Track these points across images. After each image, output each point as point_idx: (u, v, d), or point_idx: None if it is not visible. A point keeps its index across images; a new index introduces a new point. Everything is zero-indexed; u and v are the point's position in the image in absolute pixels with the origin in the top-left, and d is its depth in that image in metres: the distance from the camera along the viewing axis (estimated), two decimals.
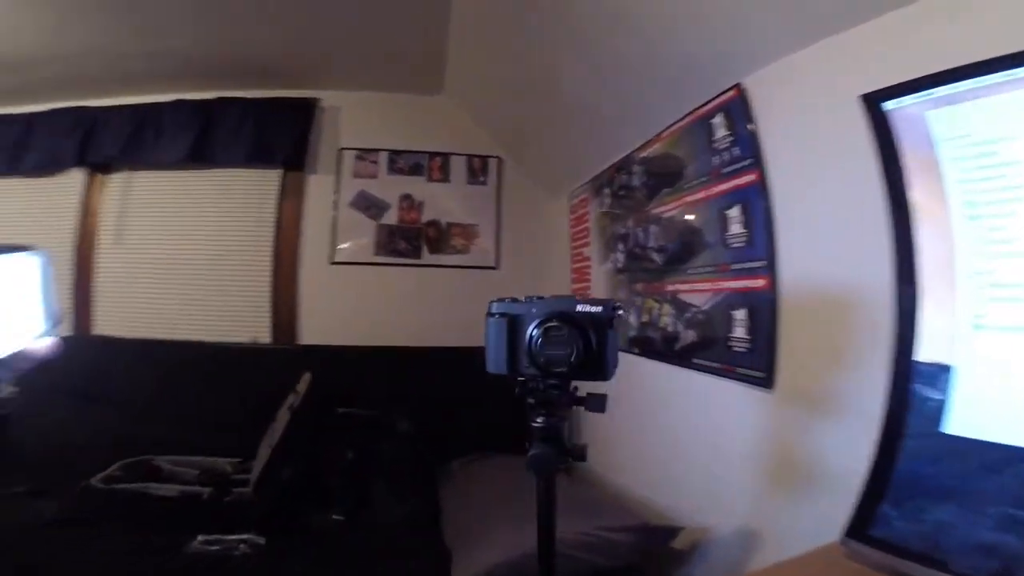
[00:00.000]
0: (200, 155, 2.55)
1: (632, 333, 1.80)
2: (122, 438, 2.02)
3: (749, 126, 1.18)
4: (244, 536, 1.50)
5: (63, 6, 1.92)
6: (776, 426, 1.12)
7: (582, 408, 0.71)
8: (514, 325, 0.66)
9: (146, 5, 1.95)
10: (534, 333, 0.64)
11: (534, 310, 0.66)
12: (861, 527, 0.72)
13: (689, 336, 1.44)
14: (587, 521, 1.26)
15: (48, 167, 2.63)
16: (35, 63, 2.32)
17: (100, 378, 2.25)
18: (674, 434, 1.53)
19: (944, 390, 0.61)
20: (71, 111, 2.63)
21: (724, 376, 1.27)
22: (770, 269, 1.12)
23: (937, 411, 0.62)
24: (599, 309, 0.63)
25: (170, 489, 1.76)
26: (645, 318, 1.71)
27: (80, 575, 1.34)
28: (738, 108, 1.21)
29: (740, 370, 1.21)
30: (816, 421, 1.00)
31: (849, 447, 0.82)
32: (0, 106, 2.65)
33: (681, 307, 1.48)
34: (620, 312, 0.64)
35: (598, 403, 0.66)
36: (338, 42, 2.28)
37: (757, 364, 1.15)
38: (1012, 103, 0.54)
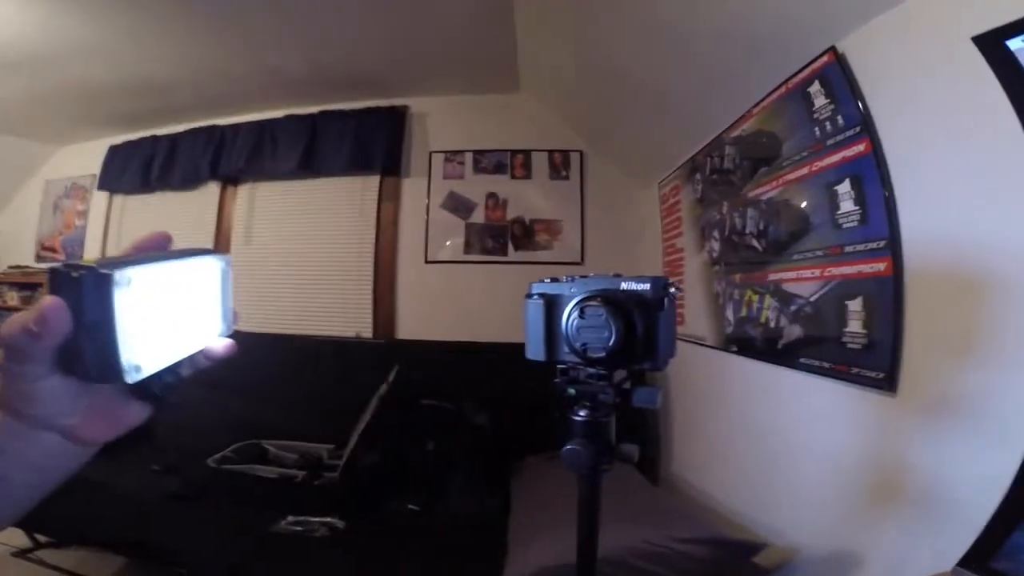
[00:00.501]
0: (308, 165, 2.80)
1: (729, 330, 1.62)
2: (239, 423, 2.26)
3: (851, 90, 1.01)
4: (326, 519, 1.60)
5: (177, 30, 2.18)
6: (896, 437, 0.92)
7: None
8: (552, 307, 0.60)
9: (255, 28, 2.17)
10: (571, 315, 0.57)
11: (573, 289, 0.59)
12: (983, 557, 0.56)
13: (794, 332, 1.26)
14: (658, 530, 1.15)
15: (191, 181, 3.06)
16: (173, 87, 2.71)
17: (225, 368, 2.54)
18: (772, 442, 1.35)
19: None
20: (204, 130, 3.06)
21: (835, 377, 1.09)
22: (892, 250, 0.92)
23: None
24: (646, 287, 0.54)
25: (271, 471, 1.93)
26: (744, 312, 1.53)
27: (177, 545, 1.48)
28: (836, 72, 1.05)
29: (855, 370, 1.02)
30: (945, 433, 0.80)
31: (983, 467, 0.65)
32: (151, 128, 3.18)
33: (785, 298, 1.29)
34: (673, 290, 0.55)
35: (647, 397, 0.57)
36: (420, 51, 2.37)
37: (876, 363, 0.96)
38: None
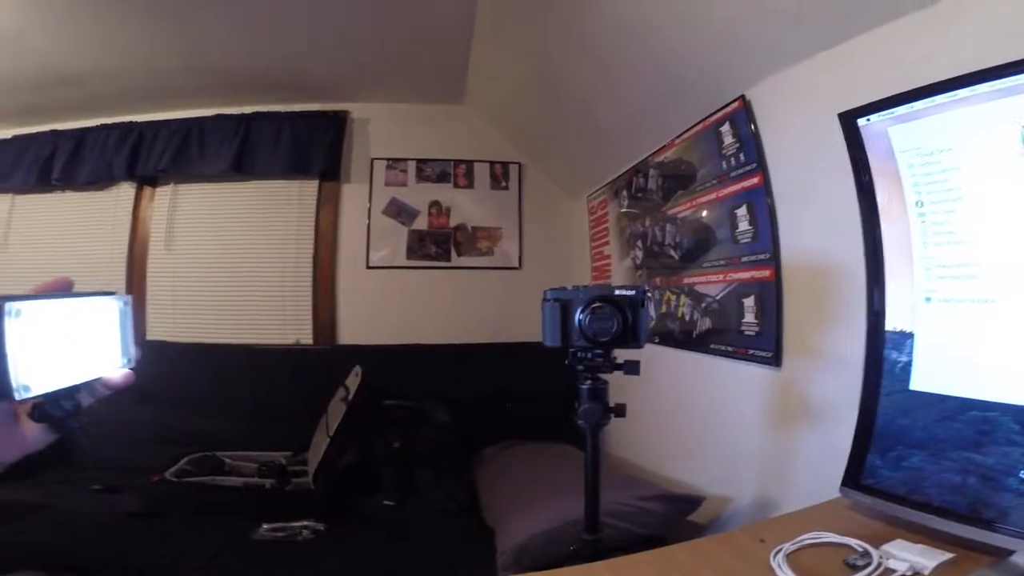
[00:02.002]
0: (241, 167, 2.72)
1: (651, 323, 1.95)
2: (180, 435, 2.21)
3: (753, 133, 1.33)
4: (305, 522, 1.65)
5: (110, 22, 2.06)
6: (784, 400, 1.27)
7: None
8: (565, 308, 0.84)
9: (187, 23, 2.10)
10: (583, 312, 0.81)
11: (581, 295, 0.83)
12: (856, 477, 0.87)
13: (705, 324, 1.60)
14: (620, 492, 1.39)
15: (101, 180, 2.83)
16: (87, 78, 2.48)
17: (158, 380, 2.37)
18: (694, 416, 1.68)
19: (908, 353, 0.76)
20: (120, 126, 2.82)
21: (738, 359, 1.43)
22: (774, 261, 1.27)
23: (904, 371, 0.77)
24: (632, 292, 0.81)
25: (235, 481, 1.95)
26: (664, 309, 1.86)
27: (162, 561, 1.47)
28: (743, 117, 1.37)
29: (751, 352, 1.36)
30: (817, 391, 1.15)
31: (846, 412, 0.97)
32: (58, 121, 2.85)
33: (697, 297, 1.63)
34: (649, 295, 0.82)
35: (633, 368, 0.84)
36: (366, 56, 2.42)
37: (766, 345, 1.30)
38: (951, 120, 0.69)
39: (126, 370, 0.46)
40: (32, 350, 0.37)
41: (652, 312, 1.93)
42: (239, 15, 2.07)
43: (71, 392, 0.41)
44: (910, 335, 0.77)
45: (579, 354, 0.84)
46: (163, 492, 1.81)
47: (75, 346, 0.42)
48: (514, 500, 1.57)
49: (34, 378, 0.37)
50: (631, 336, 0.80)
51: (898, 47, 0.93)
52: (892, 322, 0.79)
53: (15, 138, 2.92)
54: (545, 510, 1.32)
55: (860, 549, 0.74)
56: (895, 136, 0.75)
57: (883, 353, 0.80)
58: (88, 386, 0.43)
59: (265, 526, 1.59)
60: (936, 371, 0.75)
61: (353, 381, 2.04)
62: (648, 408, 2.00)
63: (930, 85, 0.69)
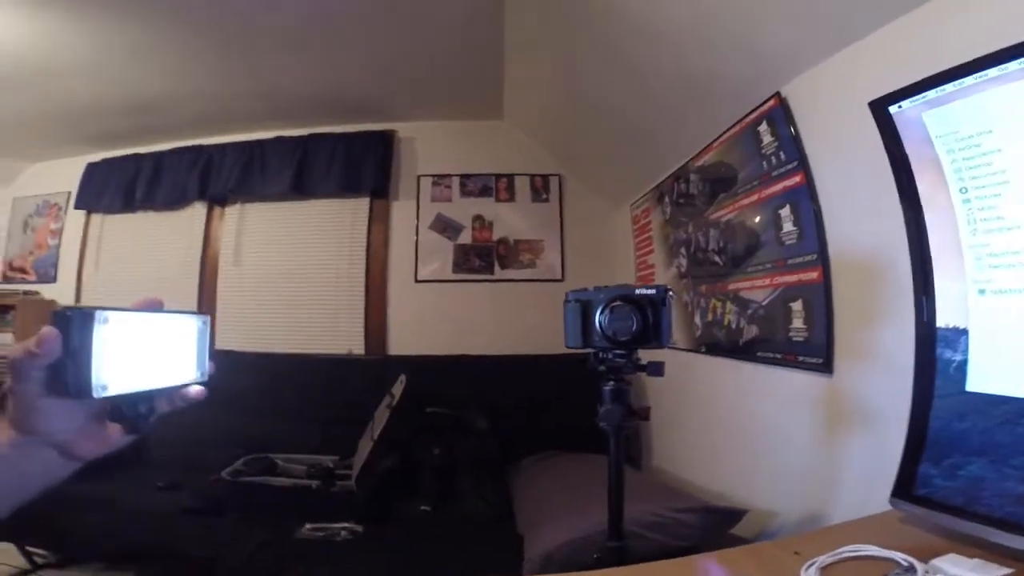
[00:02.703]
0: (299, 187, 2.91)
1: (698, 333, 1.88)
2: (240, 438, 2.34)
3: (791, 131, 1.28)
4: (345, 524, 1.72)
5: (182, 52, 2.27)
6: (837, 408, 1.18)
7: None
8: (586, 308, 0.83)
9: (251, 51, 2.28)
10: (602, 312, 0.80)
11: (601, 295, 0.82)
12: (907, 488, 0.79)
13: (752, 331, 1.52)
14: (655, 503, 1.35)
15: (176, 201, 3.10)
16: (162, 104, 2.74)
17: (223, 386, 2.59)
18: (741, 427, 1.60)
19: (963, 351, 0.69)
20: (191, 149, 3.10)
21: (786, 366, 1.35)
22: (821, 261, 1.20)
23: (960, 371, 0.70)
24: (653, 291, 0.79)
25: (285, 481, 2.04)
26: (710, 318, 1.80)
27: (208, 553, 1.57)
28: (780, 115, 1.32)
29: (801, 358, 1.29)
30: (871, 398, 1.07)
31: (902, 419, 0.89)
32: (139, 145, 3.17)
33: (743, 304, 1.57)
34: (671, 294, 0.79)
35: (657, 368, 0.81)
36: (409, 77, 2.54)
37: (816, 352, 1.23)
38: (987, 101, 0.64)
39: (200, 386, 0.49)
40: (114, 355, 0.40)
41: (698, 320, 1.87)
42: (297, 45, 2.24)
43: (146, 397, 0.45)
44: (964, 331, 0.70)
45: (600, 355, 0.82)
46: (218, 490, 1.92)
47: (155, 356, 0.46)
48: (545, 509, 1.55)
49: (113, 380, 0.40)
50: (653, 335, 0.78)
51: (931, 30, 0.88)
52: (944, 318, 0.73)
53: (103, 161, 3.26)
54: (574, 519, 1.30)
55: (905, 563, 0.67)
56: (930, 122, 0.70)
57: (935, 352, 0.74)
58: (163, 394, 0.47)
59: (308, 525, 1.66)
60: (995, 370, 0.68)
61: (398, 388, 2.09)
62: (695, 420, 1.94)
63: (957, 67, 0.65)
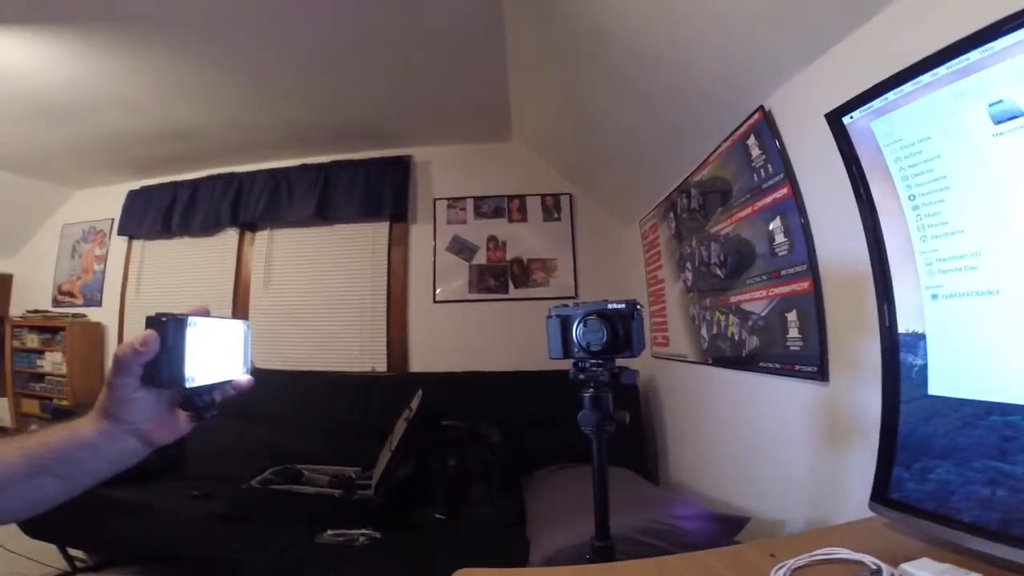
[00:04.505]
0: (323, 212, 3.07)
1: (705, 346, 1.90)
2: (269, 450, 2.47)
3: (776, 143, 1.32)
4: (364, 531, 1.80)
5: (212, 85, 2.45)
6: (833, 415, 1.19)
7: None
8: (565, 323, 0.89)
9: (274, 83, 2.44)
10: (578, 325, 0.86)
11: (579, 310, 0.88)
12: (882, 492, 0.81)
13: (753, 342, 1.54)
14: (658, 512, 1.38)
15: (211, 227, 3.30)
16: (196, 133, 2.94)
17: (255, 402, 2.72)
18: (748, 436, 1.61)
19: (923, 355, 0.71)
20: (223, 177, 3.30)
21: (785, 375, 1.36)
22: (811, 271, 1.23)
23: (921, 375, 0.72)
24: (623, 306, 0.85)
25: (309, 489, 2.13)
26: (715, 330, 1.81)
27: (236, 557, 1.66)
28: (765, 128, 1.36)
29: (798, 367, 1.30)
30: (864, 404, 1.07)
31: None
32: (175, 173, 3.40)
33: (744, 316, 1.58)
34: (639, 308, 0.85)
35: (630, 376, 0.86)
36: (421, 103, 2.66)
37: (811, 360, 1.24)
38: (923, 108, 0.67)
39: (248, 376, 0.58)
40: (195, 352, 0.49)
41: (704, 333, 1.89)
42: (317, 78, 2.40)
43: (209, 389, 0.54)
44: (922, 336, 0.73)
45: (579, 364, 0.88)
46: (247, 498, 2.02)
47: (218, 354, 0.54)
48: (552, 516, 1.58)
49: (197, 372, 0.50)
50: (624, 345, 0.83)
51: (886, 38, 0.91)
52: (904, 323, 0.75)
53: (143, 189, 3.51)
54: (578, 525, 1.33)
55: (874, 567, 0.69)
56: (878, 131, 0.74)
57: (899, 357, 0.76)
58: (222, 386, 0.55)
59: (329, 531, 1.73)
60: (952, 373, 0.70)
61: (415, 402, 2.17)
62: (705, 431, 1.94)
63: (894, 75, 0.68)
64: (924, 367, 0.73)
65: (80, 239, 3.71)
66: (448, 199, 3.09)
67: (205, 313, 0.54)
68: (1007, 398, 0.64)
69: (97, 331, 3.52)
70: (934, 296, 0.70)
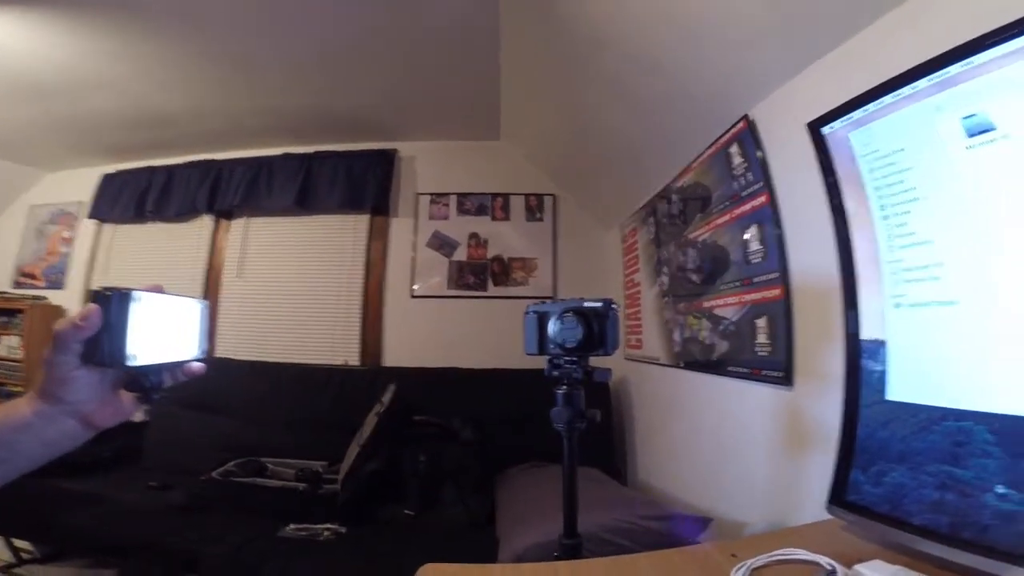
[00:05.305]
0: (303, 202, 3.02)
1: (677, 349, 1.93)
2: (234, 442, 2.42)
3: (758, 152, 1.35)
4: (329, 525, 1.77)
5: (193, 70, 2.39)
6: (796, 419, 1.22)
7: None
8: (542, 319, 0.89)
9: (259, 71, 2.40)
10: (555, 322, 0.86)
11: (556, 307, 0.89)
12: (840, 494, 0.83)
13: (723, 346, 1.57)
14: (625, 511, 1.40)
15: (186, 213, 3.21)
16: (175, 119, 2.87)
17: (218, 393, 2.64)
18: (714, 439, 1.63)
19: (883, 362, 0.74)
20: (201, 163, 3.22)
21: (752, 380, 1.39)
22: (782, 279, 1.26)
23: (880, 381, 0.74)
24: (599, 304, 0.86)
25: (273, 483, 2.09)
26: (687, 334, 1.84)
27: (193, 548, 1.62)
28: (748, 137, 1.39)
29: (764, 372, 1.33)
30: (827, 410, 1.10)
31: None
32: (151, 158, 3.31)
33: (716, 321, 1.61)
34: (615, 307, 0.86)
35: (603, 374, 0.87)
36: (410, 98, 2.65)
37: (778, 365, 1.27)
38: (900, 120, 0.69)
39: (200, 363, 0.55)
40: (141, 330, 0.46)
41: (677, 337, 1.91)
42: (305, 68, 2.37)
43: (157, 370, 0.51)
44: (883, 343, 0.75)
45: (554, 361, 0.88)
46: (207, 490, 1.97)
47: (168, 333, 0.51)
48: (522, 514, 1.59)
49: (140, 351, 0.46)
50: (598, 343, 0.84)
51: (874, 51, 0.94)
52: (867, 331, 0.78)
53: (118, 173, 3.41)
54: (547, 523, 1.33)
55: (829, 568, 0.71)
56: (855, 141, 0.76)
57: (861, 363, 0.79)
58: (170, 369, 0.52)
59: (292, 525, 1.70)
60: (910, 380, 0.72)
61: (387, 396, 2.15)
62: (674, 433, 1.97)
63: (877, 86, 0.71)
64: (884, 373, 0.75)
65: (48, 221, 3.58)
66: (431, 194, 3.07)
67: (159, 291, 0.51)
68: (961, 404, 0.66)
69: (58, 315, 3.39)
70: (897, 305, 0.72)
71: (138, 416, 2.51)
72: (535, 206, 3.01)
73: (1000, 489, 0.62)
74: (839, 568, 0.70)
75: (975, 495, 0.65)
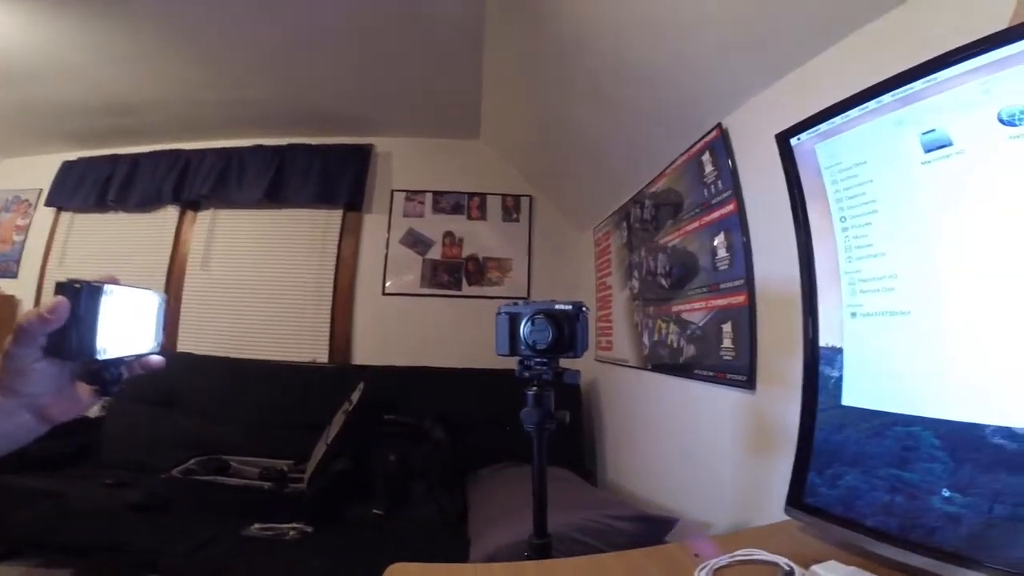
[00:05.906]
0: (274, 195, 2.95)
1: (646, 352, 1.96)
2: (195, 439, 2.35)
3: (729, 161, 1.38)
4: (295, 525, 1.74)
5: (159, 59, 2.32)
6: (759, 423, 1.26)
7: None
8: (514, 320, 0.90)
9: (232, 61, 2.34)
10: (526, 323, 0.86)
11: (528, 309, 0.89)
12: (797, 496, 0.86)
13: (690, 350, 1.60)
14: (595, 511, 1.41)
15: (150, 203, 3.10)
16: (141, 107, 2.77)
17: (180, 389, 2.57)
18: (679, 440, 1.67)
19: (839, 368, 0.77)
20: (168, 153, 3.12)
21: (717, 383, 1.43)
22: (748, 287, 1.29)
23: (836, 386, 0.77)
24: (569, 307, 0.87)
25: (236, 481, 2.04)
26: (656, 337, 1.87)
27: (153, 548, 1.57)
28: (720, 145, 1.42)
29: (729, 376, 1.37)
30: (788, 414, 1.14)
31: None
32: (116, 146, 3.19)
33: (683, 325, 1.65)
34: (585, 310, 0.87)
35: (572, 376, 0.88)
36: (389, 93, 2.61)
37: (741, 369, 1.31)
38: (863, 134, 0.72)
39: (159, 357, 0.54)
40: (108, 323, 0.46)
41: (646, 340, 1.94)
42: (280, 59, 2.31)
43: (116, 363, 0.50)
44: (840, 350, 0.78)
45: (525, 362, 0.89)
46: (167, 488, 1.91)
47: (128, 325, 0.51)
48: (494, 514, 1.59)
49: (107, 344, 0.46)
50: (568, 345, 0.85)
51: (846, 65, 0.98)
52: (825, 338, 0.81)
53: (80, 160, 3.26)
54: (518, 523, 1.33)
55: (787, 568, 0.73)
56: (821, 153, 0.79)
57: (818, 368, 0.81)
58: (129, 362, 0.52)
59: (256, 525, 1.66)
60: (864, 386, 0.75)
61: (355, 395, 2.12)
62: (642, 434, 2.00)
63: (843, 100, 0.73)
64: (840, 379, 0.78)
65: (1, 208, 3.41)
66: (406, 191, 3.04)
67: (114, 282, 0.50)
68: (910, 410, 0.69)
69: (9, 304, 3.22)
70: (853, 314, 0.75)
71: (94, 411, 2.41)
72: (512, 206, 3.01)
73: (945, 492, 0.65)
74: (796, 569, 0.73)
75: (922, 498, 0.68)
